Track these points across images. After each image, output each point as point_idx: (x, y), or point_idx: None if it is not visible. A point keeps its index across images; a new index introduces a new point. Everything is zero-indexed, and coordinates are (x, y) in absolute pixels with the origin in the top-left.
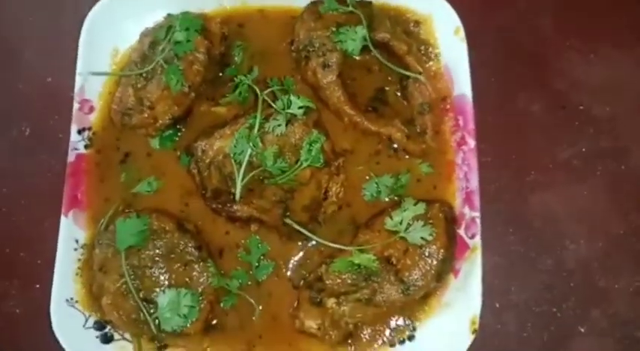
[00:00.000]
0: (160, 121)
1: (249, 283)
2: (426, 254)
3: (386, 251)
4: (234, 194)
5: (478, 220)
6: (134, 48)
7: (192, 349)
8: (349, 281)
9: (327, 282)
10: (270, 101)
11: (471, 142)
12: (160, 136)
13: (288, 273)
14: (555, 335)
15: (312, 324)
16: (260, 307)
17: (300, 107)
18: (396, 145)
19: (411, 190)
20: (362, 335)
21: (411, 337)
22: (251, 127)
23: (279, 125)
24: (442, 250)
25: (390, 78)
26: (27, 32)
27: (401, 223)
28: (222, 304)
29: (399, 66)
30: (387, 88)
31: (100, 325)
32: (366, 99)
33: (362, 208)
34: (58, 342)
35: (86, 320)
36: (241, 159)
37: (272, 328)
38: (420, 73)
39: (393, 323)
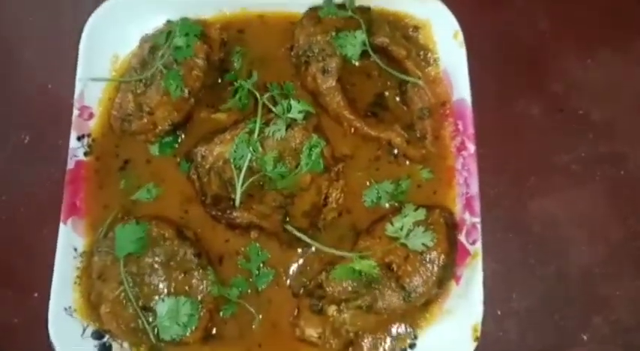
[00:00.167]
0: (160, 127)
1: (249, 291)
2: (427, 260)
3: (387, 258)
4: (234, 200)
5: (479, 226)
6: (134, 53)
7: None
8: (350, 288)
9: (328, 289)
10: (270, 105)
11: (471, 147)
12: (159, 143)
13: (288, 281)
14: (557, 343)
15: (312, 332)
16: (260, 316)
17: (300, 112)
18: (396, 151)
19: (411, 195)
20: (363, 343)
21: (412, 345)
22: (251, 132)
23: (279, 130)
24: (443, 256)
25: (389, 83)
26: (26, 38)
27: (401, 229)
28: (221, 313)
29: (399, 71)
30: (386, 93)
31: (98, 335)
32: (366, 104)
33: (362, 214)
34: None
35: (84, 329)
36: (241, 164)
37: (272, 336)
38: (420, 78)
39: (394, 331)
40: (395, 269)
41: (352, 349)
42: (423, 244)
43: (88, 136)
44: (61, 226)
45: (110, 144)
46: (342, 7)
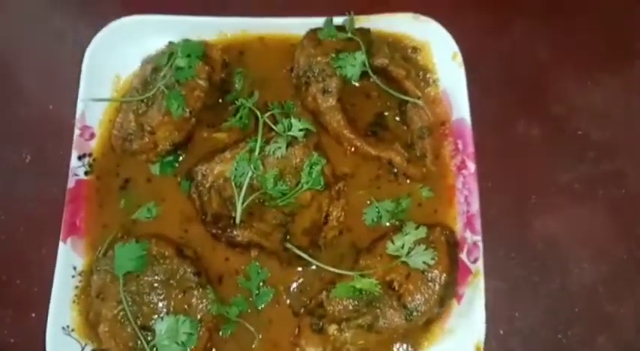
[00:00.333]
0: (161, 147)
1: (249, 310)
2: (429, 279)
3: (388, 276)
4: (234, 218)
5: (480, 244)
6: (136, 74)
7: None
8: (351, 307)
9: (329, 308)
10: (270, 124)
11: (471, 166)
12: (160, 162)
13: (289, 300)
14: None
15: None
16: (260, 335)
17: (300, 129)
18: (396, 170)
19: (411, 214)
20: None
21: None
22: (252, 151)
23: (279, 148)
24: (445, 275)
25: (389, 103)
26: (28, 59)
27: (402, 247)
28: (221, 333)
29: (398, 91)
30: (386, 113)
31: None
32: (366, 124)
33: (363, 232)
34: None
35: (82, 349)
36: (242, 181)
37: None
38: (419, 98)
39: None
40: (396, 288)
41: None
42: (424, 262)
43: (89, 155)
44: (61, 245)
45: (111, 163)
46: (341, 28)
